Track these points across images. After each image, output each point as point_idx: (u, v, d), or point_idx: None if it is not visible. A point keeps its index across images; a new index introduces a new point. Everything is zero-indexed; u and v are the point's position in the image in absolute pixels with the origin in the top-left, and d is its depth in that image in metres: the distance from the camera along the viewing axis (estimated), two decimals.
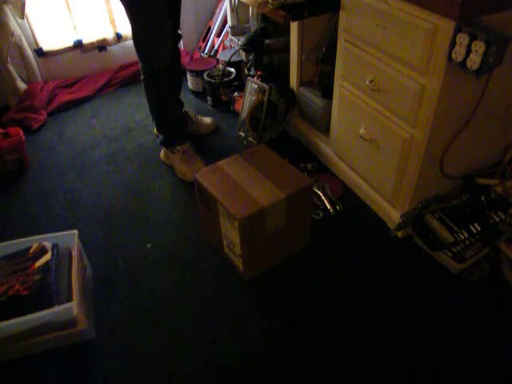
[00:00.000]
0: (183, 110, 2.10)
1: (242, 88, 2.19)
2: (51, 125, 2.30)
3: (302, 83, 1.94)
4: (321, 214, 1.67)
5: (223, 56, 2.41)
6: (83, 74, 2.62)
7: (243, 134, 2.03)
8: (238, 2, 2.30)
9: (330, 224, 1.65)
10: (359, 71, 1.48)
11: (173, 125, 1.83)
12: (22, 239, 1.36)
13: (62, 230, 1.41)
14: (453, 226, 1.44)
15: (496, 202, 1.49)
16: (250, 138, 2.00)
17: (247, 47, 2.11)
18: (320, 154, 1.93)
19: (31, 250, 1.33)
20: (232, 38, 2.41)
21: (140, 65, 1.68)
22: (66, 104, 2.41)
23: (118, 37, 2.57)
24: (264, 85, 1.91)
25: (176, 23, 1.81)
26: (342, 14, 1.49)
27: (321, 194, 1.73)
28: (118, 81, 2.60)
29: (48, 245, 1.35)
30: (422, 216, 1.48)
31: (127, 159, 2.02)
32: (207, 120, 2.18)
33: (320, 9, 1.54)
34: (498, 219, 1.44)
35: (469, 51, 1.08)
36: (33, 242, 1.36)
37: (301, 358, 1.24)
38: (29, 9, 2.30)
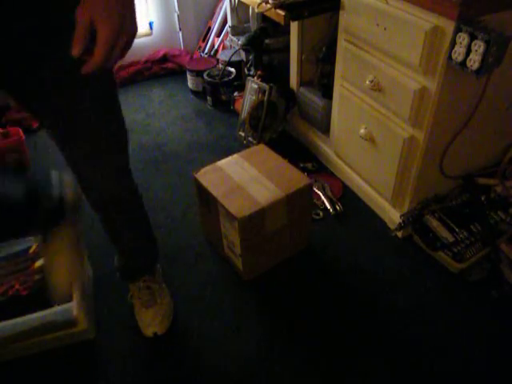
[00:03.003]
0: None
1: (242, 88, 2.19)
2: None
3: (302, 83, 1.94)
4: (321, 214, 1.67)
5: (223, 56, 2.41)
6: None
7: (243, 134, 2.03)
8: (237, 1, 2.30)
9: (330, 224, 1.65)
10: (359, 71, 1.48)
11: None
12: (22, 239, 1.36)
13: None
14: (453, 225, 1.44)
15: (496, 202, 1.49)
16: (250, 138, 2.00)
17: (247, 47, 2.10)
18: (320, 153, 1.93)
19: (31, 250, 1.33)
20: (232, 37, 2.41)
21: None
22: None
23: None
24: (264, 85, 1.91)
25: None
26: (342, 14, 1.49)
27: (321, 194, 1.73)
28: (118, 81, 2.60)
29: None
30: (422, 216, 1.49)
31: None
32: None
33: (320, 9, 1.54)
34: (498, 219, 1.44)
35: (469, 51, 1.08)
36: (33, 242, 1.36)
37: (301, 358, 1.24)
38: None
